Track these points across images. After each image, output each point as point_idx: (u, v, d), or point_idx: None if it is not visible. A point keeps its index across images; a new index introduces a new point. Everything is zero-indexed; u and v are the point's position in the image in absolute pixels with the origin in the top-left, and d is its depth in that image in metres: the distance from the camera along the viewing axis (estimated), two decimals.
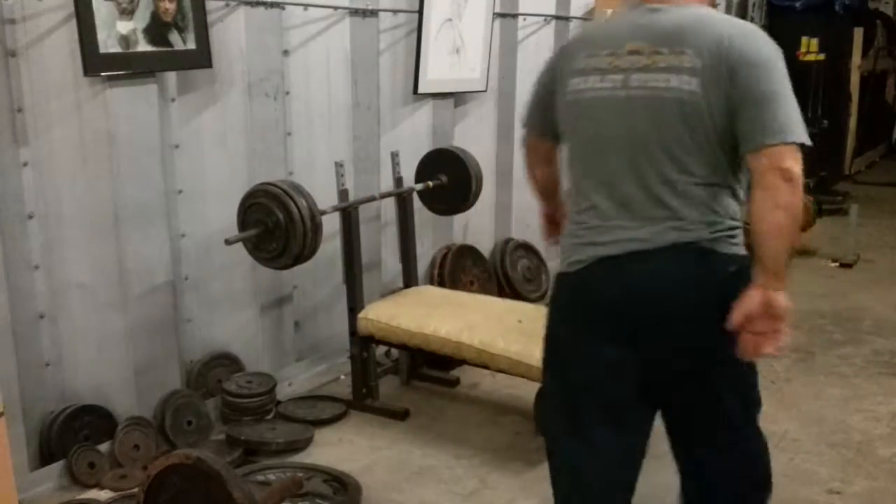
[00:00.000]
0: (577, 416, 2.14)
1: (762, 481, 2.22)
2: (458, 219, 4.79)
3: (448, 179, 4.09)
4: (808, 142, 1.93)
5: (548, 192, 2.49)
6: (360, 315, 3.67)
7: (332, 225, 3.65)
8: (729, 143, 1.99)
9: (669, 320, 2.02)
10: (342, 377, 4.00)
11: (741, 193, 2.08)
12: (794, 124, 1.92)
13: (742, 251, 2.05)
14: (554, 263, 5.59)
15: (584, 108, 2.12)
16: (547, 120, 2.26)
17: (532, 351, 3.32)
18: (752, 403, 2.18)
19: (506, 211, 5.34)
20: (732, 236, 2.04)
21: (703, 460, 2.21)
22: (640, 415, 2.16)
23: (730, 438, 2.15)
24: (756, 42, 1.96)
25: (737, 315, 1.91)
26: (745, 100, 1.93)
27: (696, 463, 2.22)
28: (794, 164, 1.90)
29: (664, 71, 1.99)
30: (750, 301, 1.91)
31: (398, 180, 4.03)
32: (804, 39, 7.43)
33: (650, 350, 2.06)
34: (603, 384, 2.10)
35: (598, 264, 2.07)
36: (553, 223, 2.51)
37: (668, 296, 2.02)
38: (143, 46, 3.06)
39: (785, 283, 1.93)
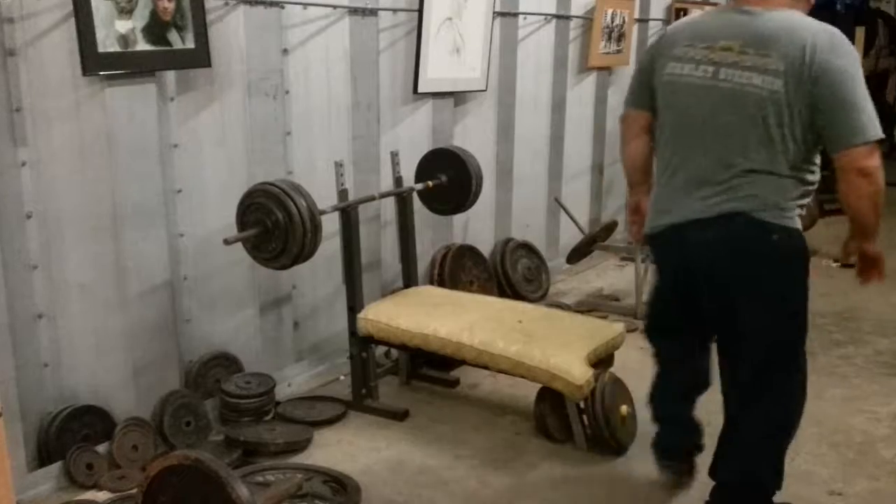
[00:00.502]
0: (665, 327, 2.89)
1: (782, 423, 2.68)
2: (458, 219, 4.78)
3: (448, 179, 4.08)
4: (881, 135, 2.27)
5: (638, 169, 2.84)
6: (360, 315, 3.66)
7: (331, 225, 3.64)
8: (811, 137, 2.35)
9: (721, 279, 2.52)
10: (342, 377, 3.99)
11: (810, 177, 2.45)
12: (867, 126, 2.26)
13: (792, 224, 2.43)
14: (553, 263, 5.61)
15: (676, 90, 2.51)
16: (645, 95, 2.66)
17: (532, 351, 3.32)
18: (781, 351, 2.58)
19: (506, 211, 5.33)
20: (784, 210, 2.40)
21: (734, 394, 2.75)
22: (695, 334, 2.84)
23: (752, 376, 2.61)
24: (838, 50, 2.27)
25: (843, 256, 2.58)
26: (825, 104, 2.27)
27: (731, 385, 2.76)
28: (870, 160, 2.28)
29: (749, 69, 2.32)
30: (847, 248, 2.51)
31: (398, 180, 4.02)
32: None
33: (707, 299, 2.60)
34: (679, 312, 2.77)
35: (668, 231, 2.58)
36: (638, 215, 2.88)
37: (717, 257, 2.49)
38: (142, 46, 3.06)
39: (874, 239, 2.46)
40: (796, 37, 2.28)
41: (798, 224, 2.47)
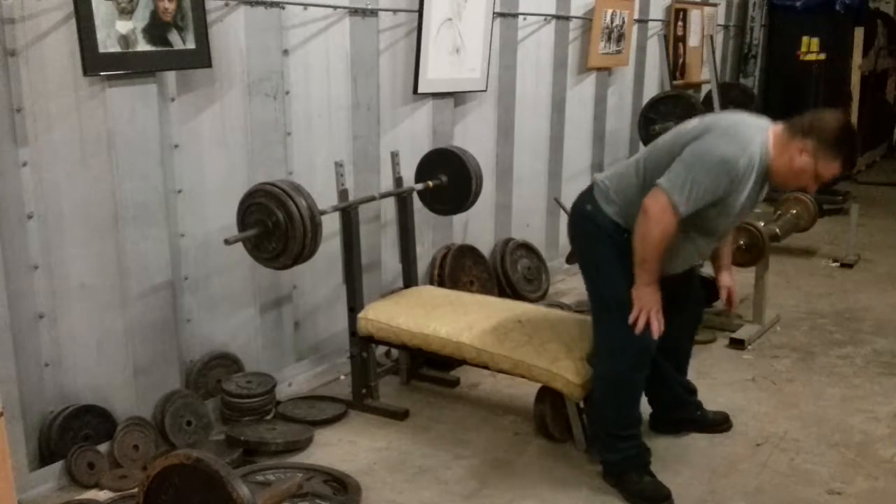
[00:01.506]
0: None
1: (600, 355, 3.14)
2: (458, 219, 4.78)
3: (448, 179, 4.09)
4: (674, 198, 2.75)
5: None
6: (360, 315, 3.67)
7: (332, 225, 3.65)
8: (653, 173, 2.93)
9: None
10: (342, 377, 4.00)
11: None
12: (675, 182, 2.75)
13: (608, 210, 3.00)
14: (553, 263, 5.61)
15: None
16: None
17: (532, 351, 3.32)
18: (598, 302, 3.11)
19: (506, 211, 5.33)
20: (612, 202, 3.00)
21: None
22: None
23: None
24: (707, 138, 2.81)
25: None
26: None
27: None
28: (654, 204, 2.79)
29: (683, 127, 2.99)
30: None
31: (398, 180, 4.02)
32: (805, 39, 7.42)
33: None
34: None
35: None
36: None
37: None
38: (143, 46, 3.06)
39: (641, 278, 2.88)
40: (704, 121, 2.93)
41: (617, 219, 2.97)
